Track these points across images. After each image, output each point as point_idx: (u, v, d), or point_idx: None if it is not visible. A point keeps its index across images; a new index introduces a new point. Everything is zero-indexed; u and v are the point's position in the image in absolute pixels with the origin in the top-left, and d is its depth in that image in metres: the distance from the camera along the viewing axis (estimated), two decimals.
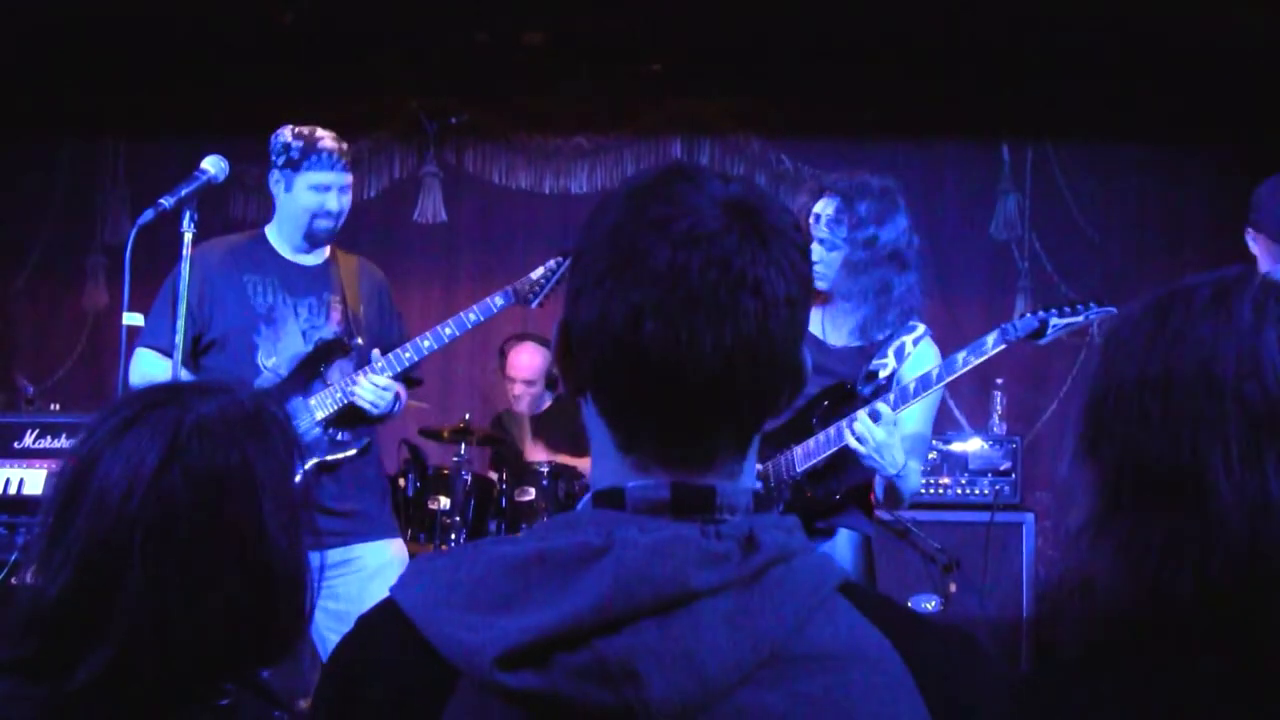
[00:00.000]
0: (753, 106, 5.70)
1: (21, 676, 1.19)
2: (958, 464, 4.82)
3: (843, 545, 2.84)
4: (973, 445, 4.85)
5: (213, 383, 1.29)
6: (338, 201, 3.20)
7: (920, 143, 5.68)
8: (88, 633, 1.18)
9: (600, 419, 0.93)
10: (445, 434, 4.59)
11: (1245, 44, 4.97)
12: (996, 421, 5.17)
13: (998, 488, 4.79)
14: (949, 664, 0.89)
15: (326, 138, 3.19)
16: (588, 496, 0.94)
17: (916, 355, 2.85)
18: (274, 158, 3.20)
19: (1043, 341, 2.73)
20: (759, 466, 2.83)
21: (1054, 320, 2.70)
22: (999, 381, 5.21)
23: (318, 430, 3.13)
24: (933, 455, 4.68)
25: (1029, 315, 2.75)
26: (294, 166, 3.17)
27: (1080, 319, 2.73)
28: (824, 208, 2.85)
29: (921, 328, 2.88)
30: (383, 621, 0.91)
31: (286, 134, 3.19)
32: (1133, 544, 0.92)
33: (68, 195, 5.94)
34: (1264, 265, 2.87)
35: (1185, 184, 5.66)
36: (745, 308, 0.87)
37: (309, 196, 3.17)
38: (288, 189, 3.20)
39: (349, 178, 3.23)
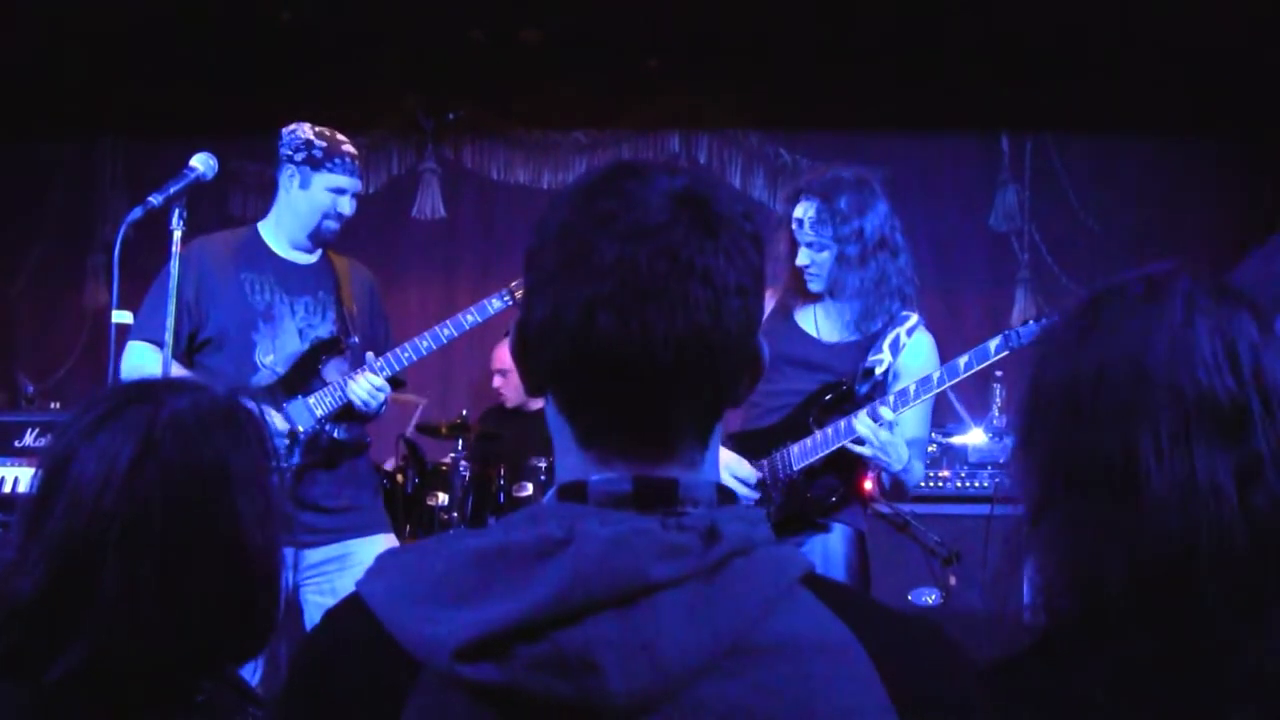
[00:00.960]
0: (750, 100, 5.69)
1: None
2: (957, 456, 4.81)
3: (837, 540, 2.84)
4: (972, 438, 4.83)
5: (187, 379, 1.30)
6: (350, 206, 3.23)
7: (919, 135, 5.67)
8: (64, 628, 1.18)
9: (560, 415, 0.94)
10: (443, 430, 4.60)
11: (1245, 37, 4.96)
12: (996, 414, 5.15)
13: (998, 480, 4.77)
14: (912, 653, 0.89)
15: (347, 143, 3.22)
16: (552, 491, 0.94)
17: (911, 346, 2.85)
18: (290, 153, 3.18)
19: None
20: (758, 464, 2.83)
21: None
22: (999, 374, 5.18)
23: (317, 428, 3.14)
24: (932, 448, 4.66)
25: (1032, 323, 2.73)
26: (315, 165, 3.16)
27: None
28: (804, 211, 2.84)
29: (915, 318, 2.87)
30: (348, 615, 0.91)
31: (307, 131, 3.18)
32: (1067, 534, 0.93)
33: (68, 195, 5.95)
34: None
35: (1185, 175, 5.64)
36: (695, 297, 0.87)
37: (325, 197, 3.18)
38: (303, 185, 3.19)
39: (360, 186, 3.29)
